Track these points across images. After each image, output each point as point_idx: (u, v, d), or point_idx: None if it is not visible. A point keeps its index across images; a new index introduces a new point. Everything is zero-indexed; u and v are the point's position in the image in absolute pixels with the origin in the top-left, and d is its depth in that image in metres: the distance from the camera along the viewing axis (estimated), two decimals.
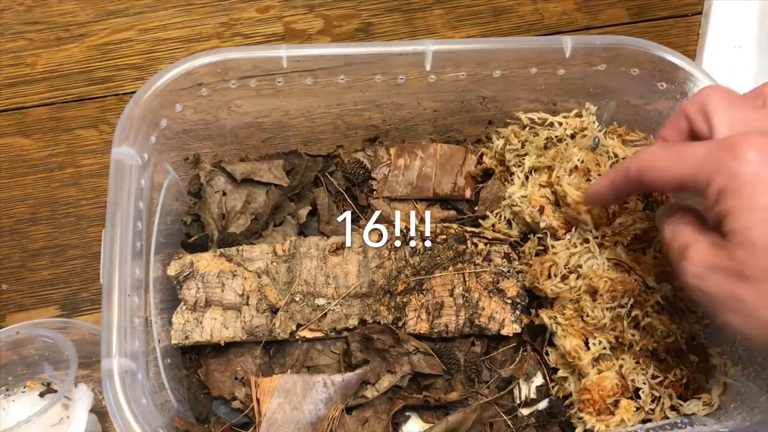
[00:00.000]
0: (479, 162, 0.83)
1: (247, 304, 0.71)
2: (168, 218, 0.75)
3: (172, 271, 0.71)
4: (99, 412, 0.73)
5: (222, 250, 0.74)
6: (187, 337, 0.69)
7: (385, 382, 0.69)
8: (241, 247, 0.74)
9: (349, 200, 0.81)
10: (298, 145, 0.83)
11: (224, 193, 0.79)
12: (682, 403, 0.67)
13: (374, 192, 0.82)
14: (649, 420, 0.67)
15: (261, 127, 0.80)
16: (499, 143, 0.81)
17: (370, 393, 0.68)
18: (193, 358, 0.72)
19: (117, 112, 0.90)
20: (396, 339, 0.70)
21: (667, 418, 0.66)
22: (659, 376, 0.68)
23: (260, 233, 0.78)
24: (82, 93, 0.92)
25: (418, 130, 0.84)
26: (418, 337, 0.71)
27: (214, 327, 0.70)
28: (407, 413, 0.70)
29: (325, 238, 0.75)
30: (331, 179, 0.82)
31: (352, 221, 0.80)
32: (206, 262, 0.72)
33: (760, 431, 0.61)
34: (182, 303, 0.71)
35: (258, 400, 0.66)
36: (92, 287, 0.82)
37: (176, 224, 0.78)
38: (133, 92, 0.69)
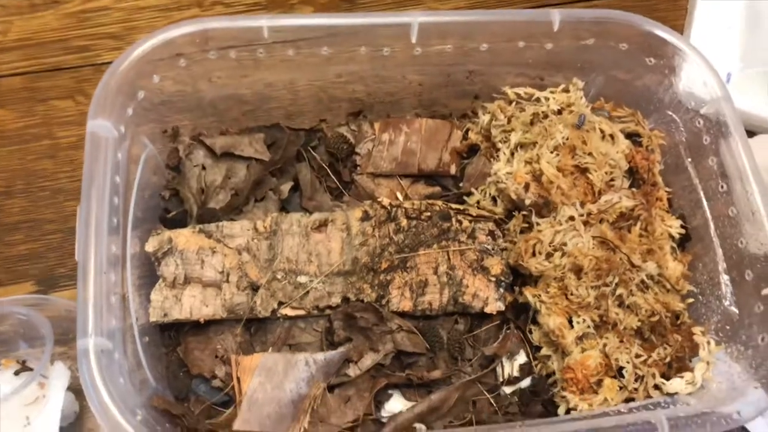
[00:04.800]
0: (465, 138, 0.82)
1: (228, 281, 0.69)
2: (146, 193, 0.73)
3: (150, 247, 0.70)
4: (77, 389, 0.71)
5: (201, 226, 0.72)
6: (165, 315, 0.68)
7: (368, 360, 0.68)
8: (221, 223, 0.72)
9: (332, 176, 0.80)
10: (280, 119, 0.81)
11: (203, 168, 0.78)
12: (665, 382, 0.67)
13: (358, 168, 0.80)
14: (633, 399, 0.66)
15: (241, 100, 0.78)
16: (485, 119, 0.80)
17: (352, 371, 0.67)
18: (171, 336, 0.71)
19: (94, 83, 0.85)
20: (379, 317, 0.69)
21: (651, 397, 0.66)
22: (643, 355, 0.67)
23: (241, 209, 0.76)
24: (58, 62, 0.89)
25: (403, 105, 0.83)
26: (402, 315, 0.70)
27: (194, 304, 0.68)
28: (390, 391, 0.69)
29: (307, 214, 0.74)
30: (314, 154, 0.81)
31: (336, 197, 0.79)
32: (185, 238, 0.71)
33: (743, 410, 0.61)
34: (161, 280, 0.69)
35: (238, 378, 0.65)
36: (69, 262, 0.80)
37: (154, 199, 0.76)
38: (111, 62, 0.67)
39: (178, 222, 0.75)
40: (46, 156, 0.85)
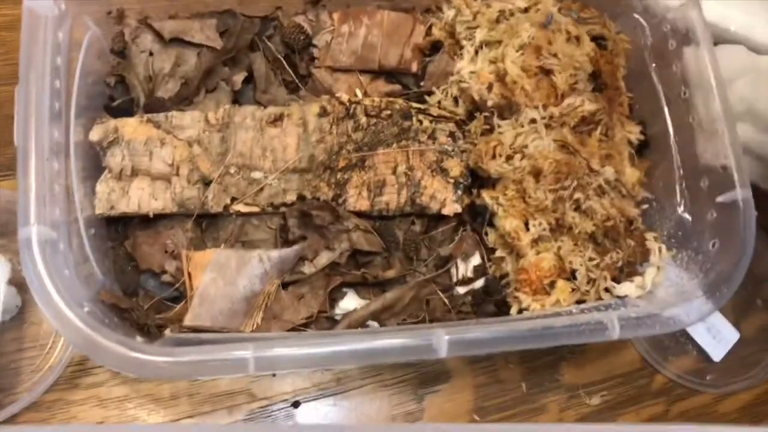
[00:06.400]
0: (428, 33, 0.79)
1: (178, 174, 0.66)
2: (89, 79, 0.69)
3: (95, 136, 0.66)
4: (18, 284, 0.69)
5: (149, 115, 0.68)
6: (112, 207, 0.65)
7: (323, 258, 0.67)
8: (170, 114, 0.69)
9: (288, 68, 0.76)
10: (233, 4, 0.76)
11: (151, 54, 0.73)
12: (616, 285, 0.68)
13: (315, 60, 0.77)
14: (584, 301, 0.67)
15: None
16: (449, 14, 0.77)
17: (307, 269, 0.66)
18: (119, 230, 0.68)
19: None
20: (335, 215, 0.67)
21: (601, 299, 0.67)
22: (596, 259, 0.68)
23: (191, 99, 0.73)
24: None
25: None
26: (358, 214, 0.69)
27: (142, 197, 0.65)
28: (344, 290, 0.69)
29: (261, 108, 0.70)
30: (269, 44, 0.76)
31: (291, 91, 0.76)
32: (132, 128, 0.67)
33: (690, 314, 0.62)
34: (107, 171, 0.66)
35: (189, 274, 0.64)
36: (7, 152, 0.76)
37: (98, 86, 0.72)
38: None
39: (124, 111, 0.71)
40: None
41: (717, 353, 0.78)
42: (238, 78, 0.74)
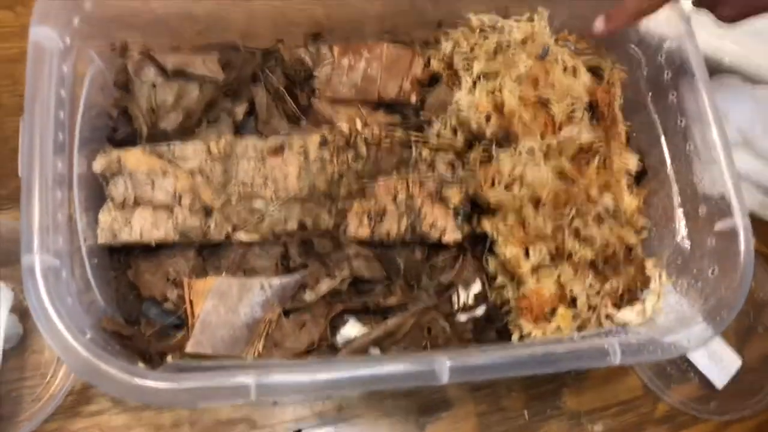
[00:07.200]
0: (427, 66, 0.80)
1: (180, 204, 0.67)
2: (93, 111, 0.69)
3: (98, 166, 0.67)
4: (20, 311, 0.69)
5: (152, 146, 0.69)
6: (114, 237, 0.65)
7: (324, 286, 0.67)
8: (172, 144, 0.69)
9: (289, 100, 0.77)
10: (235, 38, 0.77)
11: (154, 86, 0.74)
12: (616, 312, 0.68)
13: (316, 92, 0.78)
14: (585, 328, 0.67)
15: (194, 17, 0.74)
16: (447, 46, 0.78)
17: (308, 297, 0.67)
18: (121, 259, 0.68)
19: None
20: (336, 243, 0.68)
21: (602, 326, 0.67)
22: (596, 286, 0.68)
23: (193, 130, 0.73)
24: None
25: (364, 30, 0.80)
26: (359, 242, 0.69)
27: (144, 227, 0.66)
28: (346, 317, 0.69)
29: (263, 138, 0.71)
30: (271, 76, 0.77)
31: (292, 123, 0.77)
32: (135, 158, 0.68)
33: (691, 339, 0.62)
34: (109, 201, 0.66)
35: (191, 301, 0.64)
36: (11, 183, 0.76)
37: (102, 118, 0.72)
38: None
39: (127, 142, 0.72)
40: None
41: (720, 380, 0.78)
42: (240, 109, 0.75)
